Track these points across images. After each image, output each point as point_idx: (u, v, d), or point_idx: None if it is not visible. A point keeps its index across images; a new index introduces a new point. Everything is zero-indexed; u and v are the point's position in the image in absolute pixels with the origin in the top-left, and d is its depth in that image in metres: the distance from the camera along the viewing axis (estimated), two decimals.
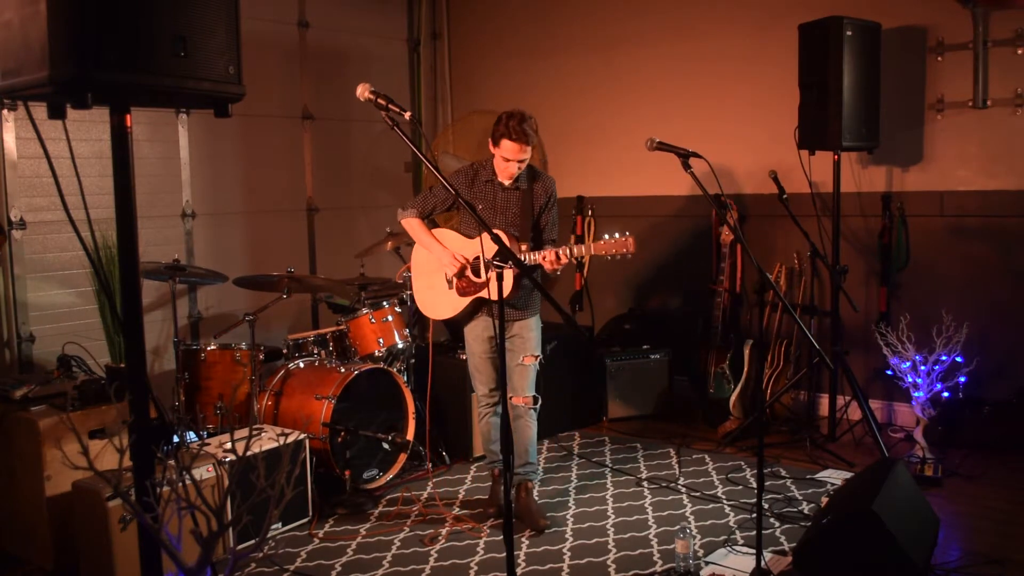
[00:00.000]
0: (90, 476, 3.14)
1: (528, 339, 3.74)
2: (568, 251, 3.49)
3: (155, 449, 2.08)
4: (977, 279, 4.68)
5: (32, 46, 1.82)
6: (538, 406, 3.79)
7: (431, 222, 3.81)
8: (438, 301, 3.79)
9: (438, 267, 3.73)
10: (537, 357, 3.75)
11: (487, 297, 3.65)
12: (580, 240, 5.65)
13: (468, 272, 3.67)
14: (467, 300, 3.69)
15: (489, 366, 3.78)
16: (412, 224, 3.75)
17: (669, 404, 5.34)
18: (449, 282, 3.72)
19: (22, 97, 2.00)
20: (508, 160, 3.57)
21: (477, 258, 3.65)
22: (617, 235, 3.42)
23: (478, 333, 3.77)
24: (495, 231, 3.47)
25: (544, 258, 3.49)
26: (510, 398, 3.74)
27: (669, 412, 5.32)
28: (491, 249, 3.55)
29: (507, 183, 3.66)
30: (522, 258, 3.52)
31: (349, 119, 5.98)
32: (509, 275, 3.56)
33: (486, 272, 3.63)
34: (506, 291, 3.58)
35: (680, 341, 5.49)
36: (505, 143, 3.53)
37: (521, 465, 3.78)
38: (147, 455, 2.06)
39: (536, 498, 3.85)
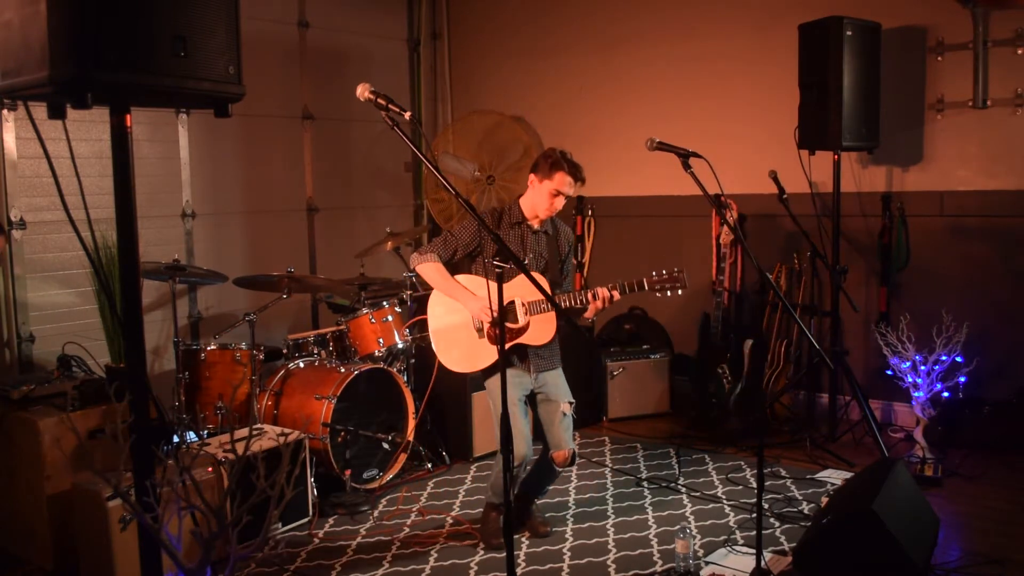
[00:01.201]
0: (90, 476, 3.15)
1: (560, 386, 3.55)
2: (620, 287, 3.39)
3: (155, 449, 2.08)
4: (977, 279, 4.68)
5: (32, 46, 1.82)
6: (574, 464, 3.61)
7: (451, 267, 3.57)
8: (470, 353, 3.49)
9: (462, 317, 3.49)
10: (573, 404, 3.56)
11: (525, 343, 3.46)
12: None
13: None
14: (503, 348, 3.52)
15: (526, 421, 3.50)
16: (433, 270, 3.46)
17: (669, 404, 5.34)
18: (479, 331, 3.48)
19: (22, 97, 2.01)
20: (559, 194, 3.44)
21: (511, 303, 3.46)
22: (665, 272, 3.41)
23: (511, 379, 3.40)
24: (533, 274, 3.33)
25: (597, 297, 3.36)
26: (552, 455, 3.50)
27: (669, 412, 5.32)
28: (529, 292, 3.42)
29: (536, 226, 3.54)
30: (569, 302, 3.39)
31: (349, 119, 5.98)
32: (552, 319, 3.48)
33: (526, 315, 3.45)
34: (549, 336, 3.51)
35: (680, 341, 5.49)
36: (560, 176, 3.41)
37: (540, 495, 3.75)
38: (147, 455, 2.06)
39: (536, 505, 3.76)
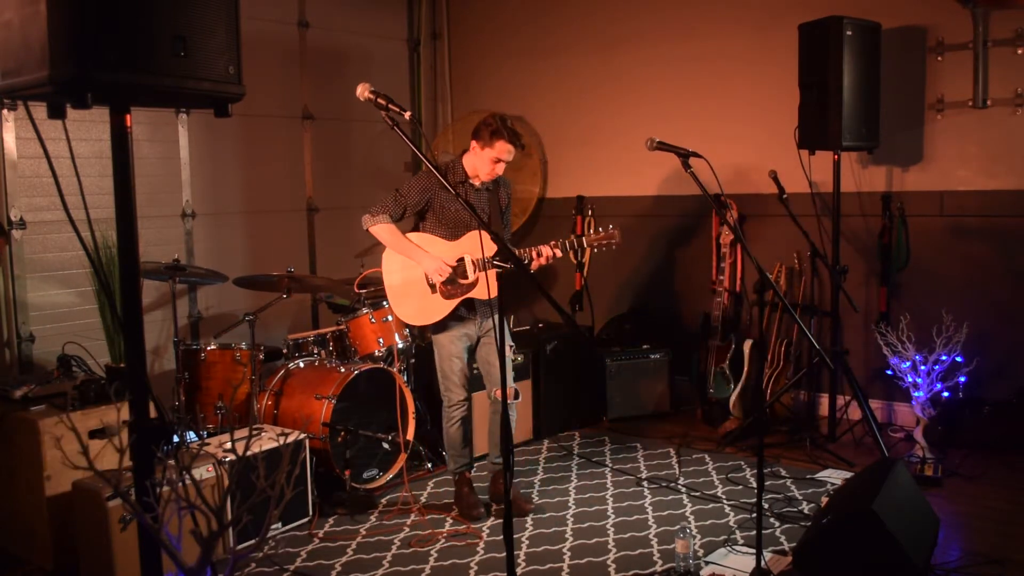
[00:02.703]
0: (90, 476, 3.15)
1: (505, 332, 3.77)
2: (561, 246, 3.63)
3: (155, 449, 2.08)
4: (977, 279, 4.68)
5: (32, 46, 1.82)
6: (519, 399, 3.94)
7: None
8: (422, 307, 3.75)
9: (415, 273, 3.72)
10: (513, 348, 3.89)
11: (476, 298, 3.71)
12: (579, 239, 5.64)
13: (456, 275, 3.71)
14: (454, 303, 3.71)
15: (464, 368, 3.82)
16: (385, 230, 3.69)
17: (669, 404, 5.34)
18: (432, 287, 3.71)
19: (22, 97, 2.00)
20: (499, 161, 3.63)
21: (460, 260, 3.68)
22: (602, 229, 3.70)
23: (454, 335, 3.78)
24: (479, 231, 3.63)
25: (540, 255, 3.60)
26: (494, 391, 3.82)
27: (669, 412, 5.32)
28: (477, 249, 3.66)
29: (477, 184, 3.73)
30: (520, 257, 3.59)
31: (349, 119, 5.98)
32: (493, 275, 3.65)
33: (476, 272, 3.67)
34: (494, 291, 3.64)
35: (680, 341, 5.49)
36: (500, 144, 3.59)
37: (499, 455, 3.87)
38: (147, 455, 2.06)
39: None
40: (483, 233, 3.64)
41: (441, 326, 3.77)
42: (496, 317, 2.77)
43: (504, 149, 3.60)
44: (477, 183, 3.72)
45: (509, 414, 3.76)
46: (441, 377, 3.86)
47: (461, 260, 3.69)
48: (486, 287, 3.68)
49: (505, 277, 3.51)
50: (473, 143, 3.67)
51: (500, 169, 3.67)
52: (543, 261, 3.63)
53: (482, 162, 3.66)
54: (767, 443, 4.56)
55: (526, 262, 3.60)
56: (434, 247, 3.70)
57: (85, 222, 2.14)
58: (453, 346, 3.78)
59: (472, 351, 3.88)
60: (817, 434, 4.72)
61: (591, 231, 3.73)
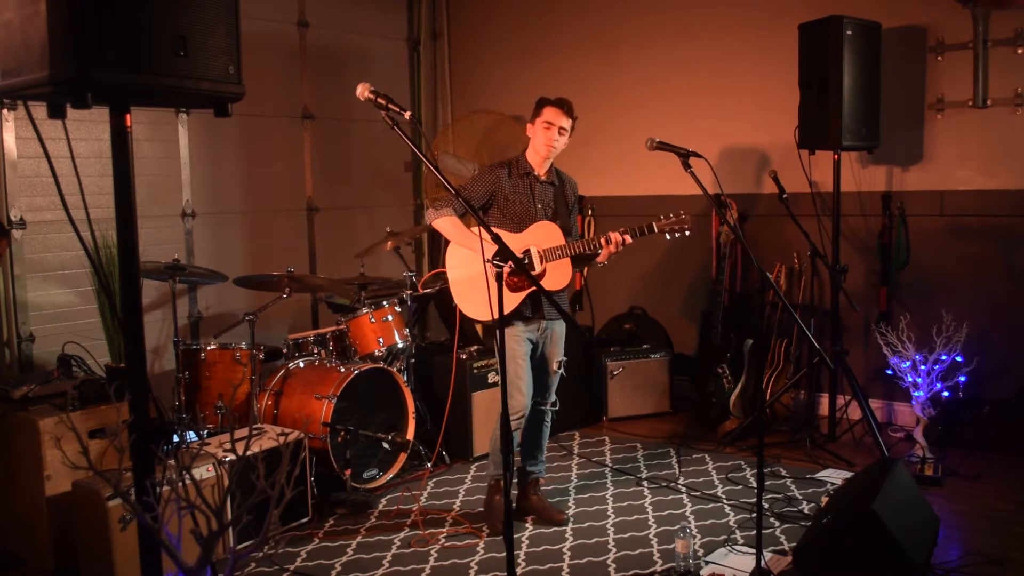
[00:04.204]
0: (90, 476, 3.15)
1: (559, 342, 3.74)
2: (631, 231, 3.52)
3: (155, 449, 2.08)
4: (977, 279, 4.68)
5: (32, 46, 1.82)
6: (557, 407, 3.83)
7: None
8: (488, 301, 3.54)
9: (478, 266, 3.45)
10: (563, 362, 3.76)
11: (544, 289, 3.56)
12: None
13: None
14: (521, 295, 3.57)
15: (529, 372, 3.62)
16: (448, 222, 3.56)
17: (669, 404, 5.34)
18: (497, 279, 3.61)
19: (22, 97, 2.01)
20: (551, 125, 3.55)
21: (526, 251, 3.56)
22: (672, 215, 3.58)
23: (519, 335, 3.60)
24: (547, 223, 3.59)
25: (610, 242, 3.49)
26: (537, 400, 3.70)
27: (669, 412, 5.32)
28: (551, 239, 3.57)
29: (543, 177, 3.64)
30: (580, 249, 3.52)
31: (349, 119, 5.98)
32: (566, 265, 3.58)
33: (543, 263, 3.54)
34: (565, 280, 3.60)
35: (680, 341, 5.49)
36: (547, 109, 3.55)
37: (537, 462, 3.83)
38: (147, 455, 2.06)
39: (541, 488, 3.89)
40: (549, 224, 3.59)
41: (507, 323, 3.58)
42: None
43: (552, 112, 3.54)
44: (543, 176, 3.64)
45: (548, 421, 3.78)
46: (510, 380, 3.57)
47: (527, 251, 3.57)
48: (554, 278, 3.57)
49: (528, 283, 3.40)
50: (528, 126, 3.64)
51: (555, 138, 3.56)
52: (612, 249, 3.51)
53: (537, 136, 3.59)
54: (767, 443, 4.56)
55: (591, 252, 3.52)
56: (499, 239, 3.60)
57: (85, 222, 2.14)
58: (520, 347, 3.59)
59: (531, 356, 3.69)
60: (817, 434, 4.72)
61: (661, 216, 3.59)
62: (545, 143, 3.58)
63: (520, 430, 3.64)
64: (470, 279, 3.60)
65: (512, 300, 3.56)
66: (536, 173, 3.64)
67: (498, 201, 3.61)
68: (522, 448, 3.81)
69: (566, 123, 3.59)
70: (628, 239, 3.53)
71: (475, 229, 3.54)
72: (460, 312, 3.67)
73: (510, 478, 2.71)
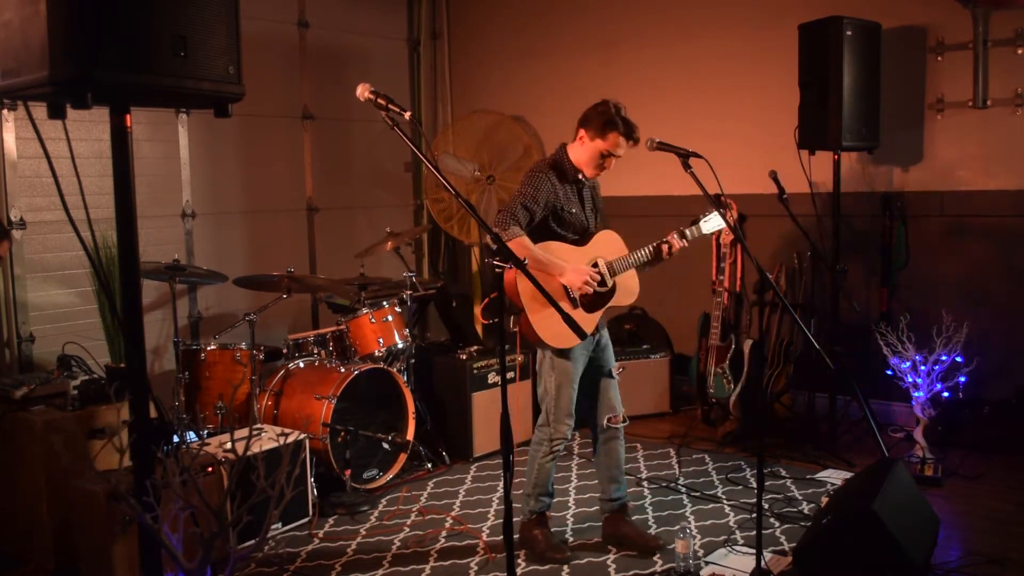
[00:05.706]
0: (90, 476, 3.15)
1: (610, 349, 3.48)
2: (680, 234, 3.35)
3: (155, 449, 2.08)
4: (977, 279, 4.68)
5: (32, 46, 1.82)
6: (627, 423, 3.51)
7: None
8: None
9: (550, 288, 3.02)
10: (622, 370, 3.50)
11: (613, 305, 3.34)
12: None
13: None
14: (598, 315, 3.33)
15: (576, 395, 3.36)
16: (525, 244, 3.15)
17: (669, 404, 5.34)
18: (573, 300, 3.24)
19: (22, 97, 2.01)
20: (608, 156, 3.22)
21: (594, 266, 3.31)
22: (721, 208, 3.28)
23: (580, 357, 3.32)
24: (608, 232, 3.42)
25: (672, 250, 3.31)
26: (608, 418, 3.43)
27: (669, 412, 5.32)
28: (615, 250, 3.36)
29: (586, 180, 3.35)
30: (644, 258, 3.33)
31: (349, 119, 5.98)
32: (633, 275, 3.38)
33: (611, 277, 3.31)
34: (636, 291, 3.40)
35: (680, 341, 5.49)
36: (614, 136, 3.19)
37: (620, 486, 3.49)
38: (147, 455, 2.06)
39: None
40: (611, 234, 3.36)
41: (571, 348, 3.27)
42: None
43: (616, 143, 3.19)
44: (588, 178, 3.34)
45: (622, 440, 3.46)
46: (551, 404, 3.34)
47: (595, 266, 3.30)
48: (625, 291, 3.35)
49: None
50: (581, 132, 3.24)
51: (609, 165, 3.25)
52: (667, 255, 3.33)
53: (588, 155, 3.23)
54: (767, 443, 4.56)
55: (652, 257, 3.30)
56: (571, 256, 3.25)
57: (85, 222, 2.15)
58: (576, 369, 3.29)
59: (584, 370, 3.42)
60: (817, 434, 4.72)
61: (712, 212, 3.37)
62: (595, 170, 3.28)
63: (555, 457, 3.39)
64: (545, 303, 3.01)
65: (589, 321, 3.28)
66: (581, 177, 3.34)
67: (554, 210, 3.26)
68: (601, 474, 3.51)
69: (623, 153, 3.28)
70: (684, 243, 3.35)
71: (544, 245, 3.24)
72: (492, 315, 3.25)
73: (511, 478, 2.70)
